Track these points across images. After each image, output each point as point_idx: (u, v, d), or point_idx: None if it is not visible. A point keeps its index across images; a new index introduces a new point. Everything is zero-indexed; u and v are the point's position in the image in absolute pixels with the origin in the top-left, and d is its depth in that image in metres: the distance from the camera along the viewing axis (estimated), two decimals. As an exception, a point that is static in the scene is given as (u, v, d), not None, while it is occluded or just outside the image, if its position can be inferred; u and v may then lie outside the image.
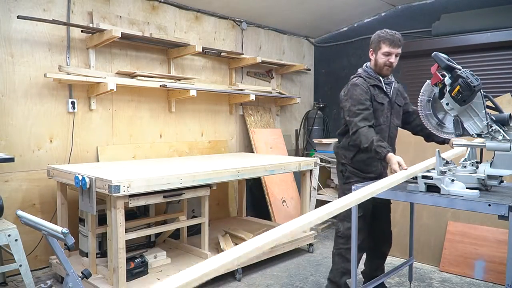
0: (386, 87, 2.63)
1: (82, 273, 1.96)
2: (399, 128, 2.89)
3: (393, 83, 2.68)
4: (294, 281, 3.30)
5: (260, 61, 4.77)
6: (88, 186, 2.59)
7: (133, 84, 3.71)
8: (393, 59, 2.57)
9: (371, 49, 2.62)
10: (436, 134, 2.32)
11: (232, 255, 1.19)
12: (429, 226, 3.73)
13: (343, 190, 2.69)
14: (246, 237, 3.59)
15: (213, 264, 1.13)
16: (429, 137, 2.68)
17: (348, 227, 2.49)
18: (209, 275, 1.11)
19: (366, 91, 2.54)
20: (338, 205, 1.47)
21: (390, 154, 2.31)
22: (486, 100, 2.12)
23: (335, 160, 4.88)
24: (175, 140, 4.37)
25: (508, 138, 2.06)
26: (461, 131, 2.17)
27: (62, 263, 1.89)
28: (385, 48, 2.54)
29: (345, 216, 2.53)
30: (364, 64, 2.69)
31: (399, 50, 2.57)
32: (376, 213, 2.73)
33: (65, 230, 1.75)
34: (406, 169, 2.20)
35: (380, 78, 2.62)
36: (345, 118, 2.60)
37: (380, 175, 2.62)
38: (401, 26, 5.20)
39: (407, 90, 2.97)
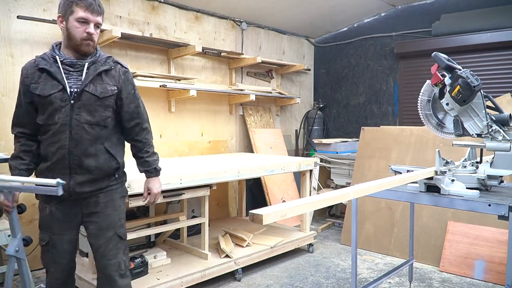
0: (66, 69, 1.87)
1: (24, 239, 1.89)
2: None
3: (86, 63, 1.90)
4: (294, 281, 3.30)
5: (260, 61, 4.77)
6: (87, 186, 2.57)
7: (133, 84, 3.70)
8: (93, 29, 1.86)
9: (58, 15, 1.88)
10: (436, 134, 2.31)
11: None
12: (429, 226, 3.73)
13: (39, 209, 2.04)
14: (246, 237, 3.59)
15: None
16: (136, 158, 2.18)
17: (43, 254, 2.12)
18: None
19: (22, 82, 1.90)
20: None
21: None
22: (486, 100, 2.13)
23: (336, 160, 4.93)
24: (175, 140, 4.37)
25: (508, 138, 2.06)
26: (461, 131, 2.17)
27: (13, 226, 1.81)
28: (79, 13, 1.82)
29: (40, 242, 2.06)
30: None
31: (100, 19, 1.90)
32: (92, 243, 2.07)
33: (61, 181, 1.62)
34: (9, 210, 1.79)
35: (57, 57, 1.87)
36: None
37: (71, 194, 1.94)
38: (401, 26, 5.22)
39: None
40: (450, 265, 3.46)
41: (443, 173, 2.07)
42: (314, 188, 4.87)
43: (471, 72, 2.01)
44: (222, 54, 4.57)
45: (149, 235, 3.34)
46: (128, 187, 2.49)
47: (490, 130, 2.08)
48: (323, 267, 3.62)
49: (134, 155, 2.16)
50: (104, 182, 1.99)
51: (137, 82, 3.71)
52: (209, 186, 3.11)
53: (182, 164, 3.44)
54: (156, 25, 4.13)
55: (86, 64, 1.90)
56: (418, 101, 2.28)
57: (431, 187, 2.11)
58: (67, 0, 1.82)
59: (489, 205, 1.86)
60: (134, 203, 2.64)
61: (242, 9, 4.76)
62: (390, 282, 3.26)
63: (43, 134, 1.92)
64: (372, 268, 3.61)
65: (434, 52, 2.11)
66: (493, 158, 2.16)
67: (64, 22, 1.85)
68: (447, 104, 2.11)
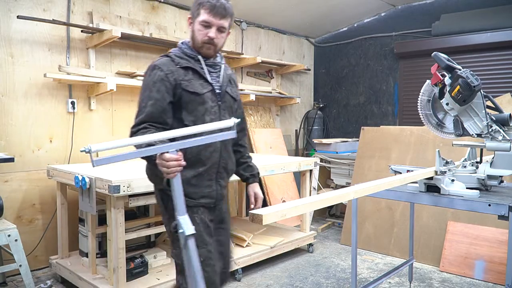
0: (209, 70, 1.85)
1: None
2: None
3: (223, 65, 1.92)
4: (294, 281, 3.30)
5: (260, 61, 4.76)
6: (88, 186, 2.59)
7: (133, 84, 3.70)
8: (213, 33, 1.77)
9: (189, 17, 1.86)
10: (436, 134, 2.31)
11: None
12: (429, 226, 3.73)
13: (169, 229, 1.76)
14: (246, 237, 3.59)
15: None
16: (237, 165, 2.03)
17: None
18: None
19: (163, 78, 1.74)
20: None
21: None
22: (486, 100, 2.12)
23: (336, 160, 4.93)
24: (175, 140, 4.36)
25: (508, 138, 2.06)
26: (461, 131, 2.16)
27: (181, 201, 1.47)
28: (203, 16, 1.76)
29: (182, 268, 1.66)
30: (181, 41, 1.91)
31: (224, 23, 1.79)
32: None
33: (236, 120, 1.49)
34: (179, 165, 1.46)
35: (199, 57, 1.83)
36: None
37: (216, 199, 1.85)
38: (401, 26, 5.22)
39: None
40: (450, 265, 3.46)
41: (443, 173, 2.07)
42: (314, 188, 4.87)
43: (471, 72, 2.01)
44: (222, 54, 4.56)
45: (149, 235, 3.34)
46: (128, 187, 2.49)
47: (490, 130, 2.07)
48: (323, 267, 3.62)
49: (236, 161, 2.03)
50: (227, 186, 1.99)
51: (137, 82, 3.72)
52: (209, 186, 3.11)
53: (182, 164, 3.43)
54: (156, 25, 4.13)
55: (223, 66, 1.91)
56: (418, 101, 2.28)
57: (431, 187, 2.11)
58: (196, 2, 1.80)
59: (489, 205, 1.86)
60: (134, 203, 2.63)
61: (242, 9, 4.76)
62: (390, 282, 3.26)
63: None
64: (372, 268, 3.61)
65: (434, 52, 2.11)
66: (493, 158, 2.16)
67: (192, 24, 1.82)
68: (447, 104, 2.10)
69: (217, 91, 1.84)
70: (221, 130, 1.59)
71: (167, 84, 1.73)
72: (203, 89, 1.78)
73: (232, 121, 1.47)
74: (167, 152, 1.43)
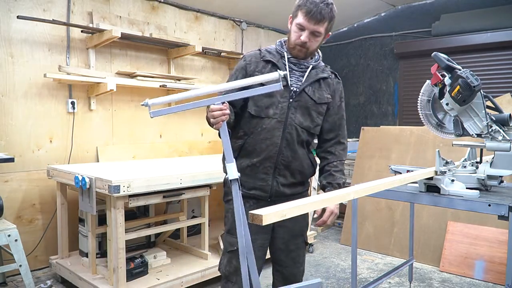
0: (290, 67, 1.85)
1: None
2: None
3: (311, 66, 1.88)
4: (294, 281, 3.30)
5: (260, 61, 4.76)
6: (88, 186, 2.59)
7: (133, 84, 3.71)
8: (305, 37, 1.76)
9: (290, 16, 1.86)
10: (436, 134, 2.31)
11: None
12: (429, 226, 3.73)
13: (225, 211, 1.96)
14: (246, 237, 3.59)
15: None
16: (321, 173, 2.01)
17: (228, 262, 1.91)
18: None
19: (243, 67, 1.86)
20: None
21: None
22: (486, 100, 2.12)
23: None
24: (175, 140, 4.37)
25: (508, 138, 2.06)
26: (461, 131, 2.16)
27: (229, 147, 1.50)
28: (299, 19, 1.76)
29: (225, 248, 1.95)
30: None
31: (319, 28, 1.75)
32: (275, 252, 2.05)
33: (282, 73, 1.48)
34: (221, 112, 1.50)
35: (285, 54, 1.86)
36: None
37: (272, 195, 1.87)
38: (401, 26, 5.22)
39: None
40: (450, 265, 3.46)
41: (443, 173, 2.07)
42: (314, 188, 4.86)
43: (471, 72, 2.00)
44: (222, 54, 4.57)
45: (149, 235, 3.34)
46: (128, 187, 2.49)
47: (490, 130, 2.07)
48: (323, 267, 3.62)
49: (321, 169, 1.99)
50: (301, 187, 1.97)
51: (137, 82, 3.72)
52: (209, 186, 3.11)
53: (182, 164, 3.44)
54: (156, 25, 4.13)
55: (311, 66, 1.88)
56: (418, 101, 2.27)
57: (431, 187, 2.11)
58: (297, 3, 1.79)
59: (489, 205, 1.86)
60: (134, 203, 2.63)
61: (242, 9, 4.76)
62: (390, 282, 3.26)
63: (252, 127, 1.83)
64: (372, 268, 3.61)
65: (434, 52, 2.11)
66: (493, 158, 2.16)
67: (291, 24, 1.83)
68: (447, 104, 2.10)
69: (294, 88, 1.84)
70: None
71: (243, 72, 1.84)
72: None
73: (278, 73, 1.48)
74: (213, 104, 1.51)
